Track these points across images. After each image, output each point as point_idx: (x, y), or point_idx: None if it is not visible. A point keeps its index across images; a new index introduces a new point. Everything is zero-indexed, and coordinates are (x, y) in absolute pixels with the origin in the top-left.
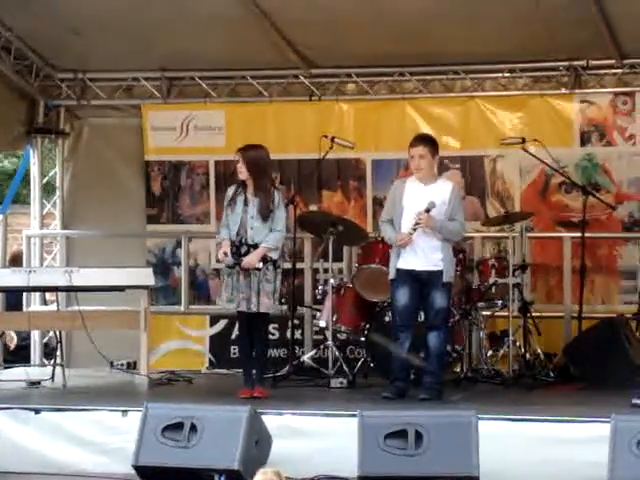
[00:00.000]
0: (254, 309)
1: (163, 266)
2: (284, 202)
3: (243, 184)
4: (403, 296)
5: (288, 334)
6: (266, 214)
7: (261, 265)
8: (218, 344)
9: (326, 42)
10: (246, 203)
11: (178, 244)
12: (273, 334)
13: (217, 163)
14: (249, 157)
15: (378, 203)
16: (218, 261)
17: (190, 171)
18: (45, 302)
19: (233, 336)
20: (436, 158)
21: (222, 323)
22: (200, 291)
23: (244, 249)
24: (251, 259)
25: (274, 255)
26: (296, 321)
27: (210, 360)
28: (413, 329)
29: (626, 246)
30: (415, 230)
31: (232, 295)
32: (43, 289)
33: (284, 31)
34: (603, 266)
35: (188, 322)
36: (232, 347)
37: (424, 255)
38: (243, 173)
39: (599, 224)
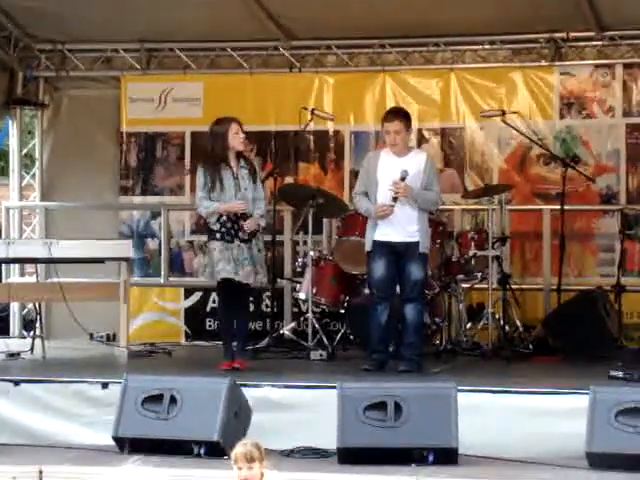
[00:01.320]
0: (258, 280)
1: (137, 238)
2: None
3: (220, 162)
4: (380, 268)
5: (266, 306)
6: (255, 180)
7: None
8: (193, 316)
9: (306, 14)
10: (235, 177)
11: (152, 216)
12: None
13: (194, 134)
14: (242, 128)
15: (356, 175)
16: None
17: (166, 142)
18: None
19: (208, 308)
20: (410, 131)
21: (196, 295)
22: (175, 263)
23: (241, 221)
24: (252, 224)
25: (262, 223)
26: (276, 293)
27: (186, 332)
28: (391, 301)
29: (604, 218)
30: (395, 201)
31: (234, 267)
32: (22, 260)
33: (264, 2)
34: (581, 238)
35: (163, 294)
36: (207, 319)
37: (401, 227)
38: (245, 143)
39: (577, 196)
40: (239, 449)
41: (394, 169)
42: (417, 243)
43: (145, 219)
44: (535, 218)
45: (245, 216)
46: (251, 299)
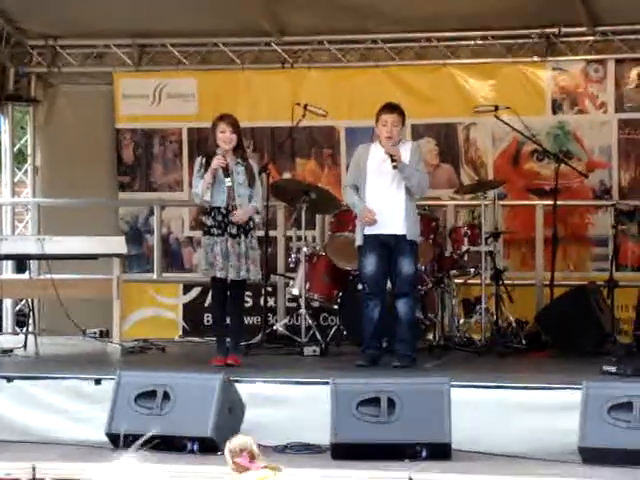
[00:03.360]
0: (244, 276)
1: (136, 234)
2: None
3: (210, 155)
4: (371, 263)
5: (261, 302)
6: (252, 182)
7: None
8: (192, 312)
9: (298, 9)
10: (227, 172)
11: (151, 212)
12: (247, 302)
13: (190, 131)
14: (235, 125)
15: None
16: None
17: (162, 139)
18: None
19: (207, 304)
20: (404, 128)
21: (195, 291)
22: (173, 259)
23: (231, 217)
24: (242, 214)
25: (257, 218)
26: (269, 289)
27: (184, 328)
28: (383, 296)
29: (597, 214)
30: (396, 165)
31: (222, 263)
32: (15, 257)
33: None
34: (575, 234)
35: (161, 290)
36: (205, 315)
37: (389, 218)
38: (233, 140)
39: (570, 192)
40: (233, 445)
41: (383, 162)
42: (405, 235)
43: (144, 215)
44: (528, 213)
45: (224, 172)
46: (249, 294)
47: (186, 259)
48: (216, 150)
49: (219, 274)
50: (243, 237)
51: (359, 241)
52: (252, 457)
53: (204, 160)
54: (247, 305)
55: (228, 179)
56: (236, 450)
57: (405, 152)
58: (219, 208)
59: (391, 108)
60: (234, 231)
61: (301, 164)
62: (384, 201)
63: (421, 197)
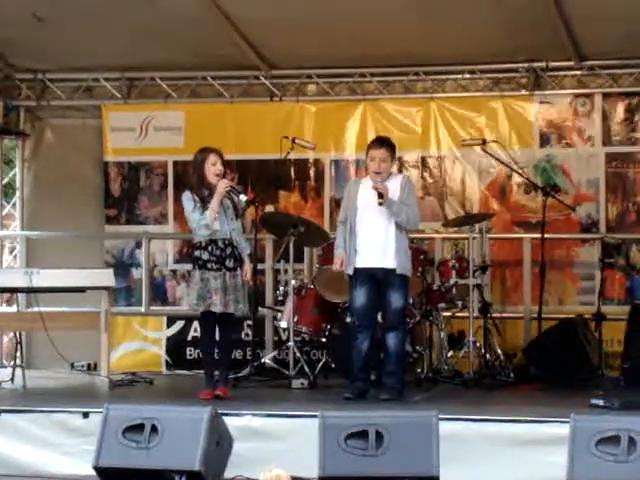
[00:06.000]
0: (242, 309)
1: (121, 267)
2: None
3: (203, 188)
4: (361, 296)
5: (249, 335)
6: (237, 214)
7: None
8: (174, 345)
9: (287, 43)
10: (237, 191)
11: (137, 245)
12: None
13: (176, 163)
14: (223, 157)
15: (336, 203)
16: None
17: (149, 172)
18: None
19: (189, 337)
20: (394, 161)
21: (179, 324)
22: (158, 292)
23: (229, 250)
24: (249, 269)
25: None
26: (257, 322)
27: (167, 362)
28: (372, 329)
29: (584, 247)
30: (382, 200)
31: (220, 297)
32: (3, 290)
33: (245, 32)
34: (562, 267)
35: (146, 323)
36: (187, 348)
37: (380, 253)
38: (222, 173)
39: (557, 225)
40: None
41: (374, 196)
42: (395, 269)
43: (130, 248)
44: (514, 246)
45: (234, 246)
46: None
47: (170, 292)
48: (205, 183)
49: (218, 308)
50: (238, 270)
51: (350, 270)
52: None
53: (193, 194)
54: (235, 338)
55: (242, 195)
56: None
57: (394, 186)
58: (217, 241)
59: (379, 143)
60: (231, 264)
61: (284, 196)
62: (374, 235)
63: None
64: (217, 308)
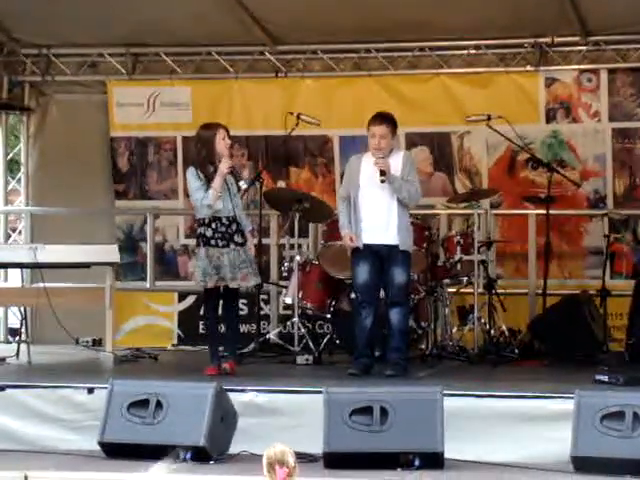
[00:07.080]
0: (255, 281)
1: (131, 242)
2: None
3: (209, 165)
4: (363, 272)
5: (254, 310)
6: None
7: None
8: (187, 320)
9: (292, 18)
10: (239, 176)
11: (146, 220)
12: (242, 310)
13: (185, 139)
14: (229, 133)
15: None
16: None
17: (157, 147)
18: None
19: (202, 312)
20: (395, 137)
21: (190, 299)
22: (169, 267)
23: (234, 226)
24: (252, 247)
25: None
26: (262, 297)
27: (179, 336)
28: (376, 305)
29: (591, 222)
30: (384, 176)
31: (230, 272)
32: (8, 265)
33: (250, 7)
34: (569, 242)
35: (156, 298)
36: (201, 322)
37: (383, 229)
38: (230, 150)
39: (565, 200)
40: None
41: (375, 173)
42: (397, 245)
43: (139, 223)
44: (523, 222)
45: (237, 222)
46: (243, 302)
47: (181, 267)
48: (214, 158)
49: (230, 284)
50: (247, 244)
51: (360, 244)
52: (290, 475)
53: (199, 171)
54: (242, 313)
55: (242, 182)
56: (274, 464)
57: (396, 162)
58: (220, 218)
59: (380, 119)
60: (240, 239)
61: (295, 173)
62: (377, 212)
63: (415, 206)
64: (228, 283)
